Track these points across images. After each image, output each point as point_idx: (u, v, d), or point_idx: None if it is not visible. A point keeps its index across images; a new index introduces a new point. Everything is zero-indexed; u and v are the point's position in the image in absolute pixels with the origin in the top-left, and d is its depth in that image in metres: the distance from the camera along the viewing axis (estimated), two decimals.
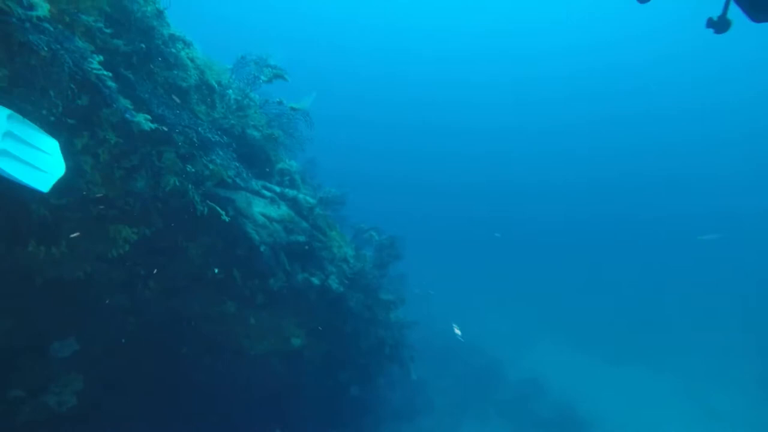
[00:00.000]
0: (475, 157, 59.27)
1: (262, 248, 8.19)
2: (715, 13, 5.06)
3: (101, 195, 6.55)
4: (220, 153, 6.33)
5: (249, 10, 59.16)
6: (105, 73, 4.94)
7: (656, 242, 47.82)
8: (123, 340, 8.64)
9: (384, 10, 61.05)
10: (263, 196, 8.65)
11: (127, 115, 5.15)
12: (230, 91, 7.28)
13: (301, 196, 9.22)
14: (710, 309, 31.78)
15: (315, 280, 9.40)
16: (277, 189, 8.97)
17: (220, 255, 8.66)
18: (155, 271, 8.21)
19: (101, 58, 5.02)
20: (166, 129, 5.84)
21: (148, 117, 5.34)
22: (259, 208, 8.42)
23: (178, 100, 6.28)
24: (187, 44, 6.53)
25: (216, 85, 7.09)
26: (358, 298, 11.35)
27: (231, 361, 9.93)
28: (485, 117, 62.65)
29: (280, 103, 7.75)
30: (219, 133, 6.47)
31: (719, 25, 5.09)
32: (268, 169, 9.20)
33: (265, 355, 10.28)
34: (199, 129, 5.99)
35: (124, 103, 5.18)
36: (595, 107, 62.27)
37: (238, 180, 6.65)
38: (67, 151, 6.02)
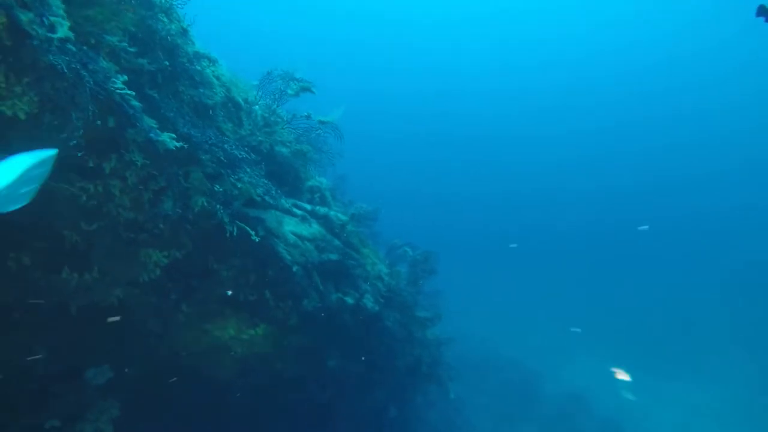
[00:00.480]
0: (497, 166, 58.33)
1: (294, 268, 7.88)
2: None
3: (131, 218, 6.37)
4: (248, 170, 6.07)
5: (280, 25, 59.90)
6: (129, 92, 4.73)
7: (680, 248, 45.89)
8: (156, 366, 8.43)
9: (413, 27, 61.15)
10: (294, 215, 8.37)
11: (152, 135, 4.92)
12: (257, 107, 7.06)
13: (332, 213, 8.91)
14: (747, 315, 30.12)
15: (349, 300, 9.03)
16: (308, 207, 8.68)
17: (252, 276, 8.39)
18: (187, 294, 7.99)
19: (125, 78, 4.83)
20: (191, 148, 5.61)
21: (173, 136, 5.11)
22: (290, 227, 8.14)
23: (204, 119, 6.07)
24: (213, 61, 6.34)
25: (242, 102, 6.87)
26: (394, 317, 10.92)
27: (267, 384, 9.60)
28: (510, 125, 61.76)
29: (308, 117, 7.48)
30: (246, 150, 6.21)
31: None
32: (298, 187, 8.94)
33: (300, 377, 9.93)
34: (226, 146, 5.74)
35: (149, 122, 4.96)
36: (612, 113, 60.76)
37: (267, 198, 6.37)
38: (96, 175, 5.87)
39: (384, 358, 11.04)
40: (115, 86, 4.58)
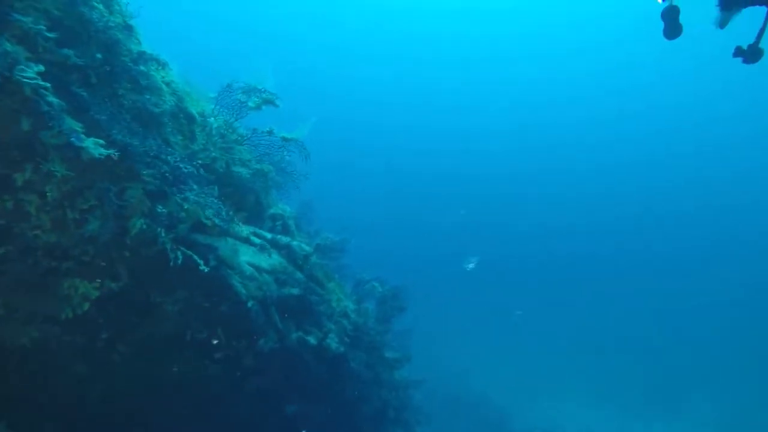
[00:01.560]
0: (476, 191, 56.91)
1: (250, 304, 6.83)
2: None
3: (52, 242, 5.26)
4: (195, 188, 5.10)
5: (237, 25, 56.59)
6: (43, 84, 3.77)
7: (661, 278, 45.94)
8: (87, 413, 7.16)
9: (392, 34, 59.91)
10: (252, 244, 7.37)
11: (74, 139, 3.94)
12: (212, 119, 6.15)
13: (295, 243, 7.94)
14: (731, 350, 30.05)
15: (311, 339, 7.98)
16: (268, 236, 7.70)
17: (201, 312, 7.28)
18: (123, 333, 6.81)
19: (42, 68, 3.87)
20: (129, 159, 4.64)
21: (101, 142, 4.13)
22: (246, 257, 7.13)
23: (149, 129, 5.12)
24: (162, 65, 5.44)
25: (196, 115, 5.96)
26: (360, 358, 9.86)
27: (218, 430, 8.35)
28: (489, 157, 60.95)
29: (270, 133, 6.59)
30: (196, 165, 5.25)
31: (751, 54, 4.45)
32: (259, 214, 7.97)
33: (253, 422, 8.69)
34: (170, 158, 4.78)
35: (71, 124, 3.99)
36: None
37: (217, 220, 5.39)
38: (5, 188, 4.80)
39: (349, 403, 9.90)
40: (25, 75, 3.61)
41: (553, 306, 40.41)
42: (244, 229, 7.39)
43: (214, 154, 5.87)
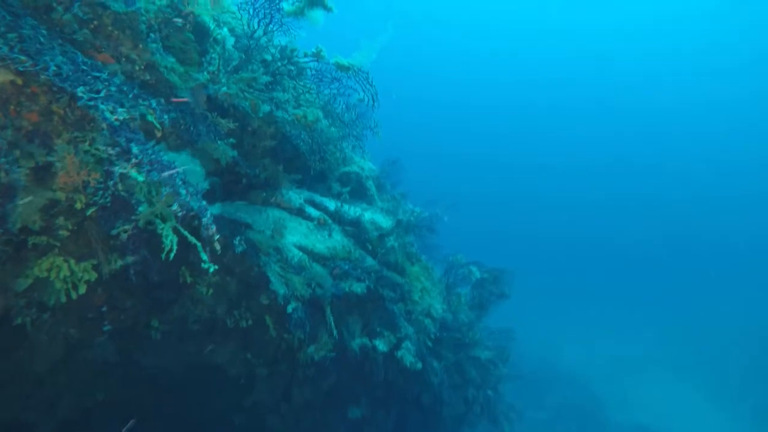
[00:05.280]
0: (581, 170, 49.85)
1: (290, 308, 4.63)
2: None
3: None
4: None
5: None
6: None
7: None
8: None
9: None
10: (307, 217, 5.12)
11: None
12: (225, 30, 3.74)
13: (367, 216, 5.53)
14: None
15: (381, 346, 5.73)
16: (331, 206, 5.36)
17: (238, 299, 5.29)
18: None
19: None
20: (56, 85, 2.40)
21: None
22: (296, 236, 4.89)
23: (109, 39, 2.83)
24: None
25: (210, 23, 3.59)
26: (445, 359, 7.52)
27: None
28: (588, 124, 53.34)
29: (317, 55, 4.02)
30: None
31: None
32: (322, 175, 5.61)
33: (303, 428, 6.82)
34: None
35: None
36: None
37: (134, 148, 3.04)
38: None
39: (426, 407, 7.72)
40: None
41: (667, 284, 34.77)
42: (295, 197, 5.10)
43: (231, 88, 3.49)
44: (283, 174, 4.86)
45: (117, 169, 2.21)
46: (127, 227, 2.88)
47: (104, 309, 4.79)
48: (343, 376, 6.28)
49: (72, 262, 4.12)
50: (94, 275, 4.30)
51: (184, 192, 2.48)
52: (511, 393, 11.30)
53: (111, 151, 2.21)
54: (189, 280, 5.25)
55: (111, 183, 2.35)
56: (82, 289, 4.27)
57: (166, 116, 3.00)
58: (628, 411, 20.85)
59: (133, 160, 2.28)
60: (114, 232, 2.90)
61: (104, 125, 2.35)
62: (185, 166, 2.92)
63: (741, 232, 41.89)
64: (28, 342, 4.49)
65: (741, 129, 50.37)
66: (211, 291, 5.39)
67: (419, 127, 43.41)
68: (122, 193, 2.75)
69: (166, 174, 2.38)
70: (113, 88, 2.34)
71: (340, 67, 3.89)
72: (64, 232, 3.94)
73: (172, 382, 6.04)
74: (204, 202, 2.68)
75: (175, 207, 2.52)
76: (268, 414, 6.00)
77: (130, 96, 2.42)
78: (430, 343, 6.38)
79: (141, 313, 5.20)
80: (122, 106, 2.30)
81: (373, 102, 3.91)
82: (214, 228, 2.72)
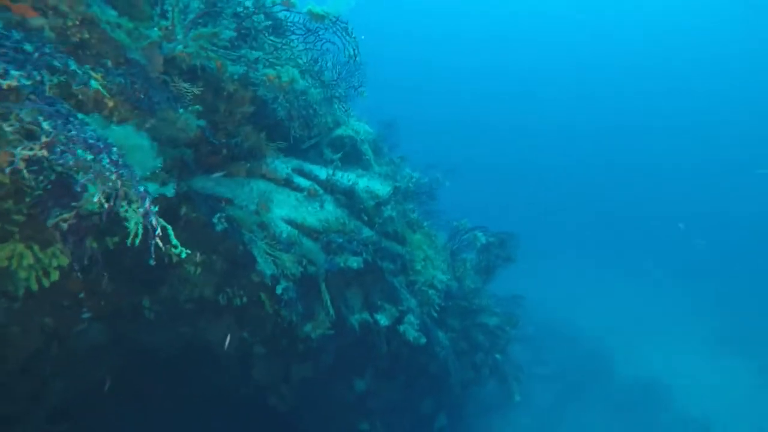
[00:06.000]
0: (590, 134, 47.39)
1: (280, 289, 4.25)
2: None
3: None
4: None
5: None
6: None
7: None
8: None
9: None
10: (296, 188, 4.67)
11: None
12: None
13: (362, 183, 5.07)
14: None
15: (382, 320, 5.39)
16: (322, 174, 4.89)
17: (227, 278, 4.93)
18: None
19: None
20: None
21: None
22: (284, 209, 4.46)
23: None
24: None
25: None
26: (452, 328, 7.22)
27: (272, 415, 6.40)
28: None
29: (286, 3, 3.43)
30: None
31: None
32: (314, 139, 5.11)
33: (310, 401, 6.61)
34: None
35: None
36: None
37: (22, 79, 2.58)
38: None
39: (433, 378, 7.49)
40: None
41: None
42: (282, 166, 4.63)
43: (195, 46, 2.94)
44: (267, 142, 4.37)
45: (19, 152, 1.76)
46: (66, 215, 2.44)
47: (82, 295, 4.46)
48: (344, 350, 6.01)
49: (36, 248, 3.74)
50: (65, 260, 3.93)
51: (113, 176, 2.04)
52: (517, 353, 11.12)
53: (7, 128, 1.75)
54: (174, 259, 4.88)
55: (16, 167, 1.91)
56: (55, 276, 3.90)
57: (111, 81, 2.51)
58: (637, 366, 20.80)
59: (43, 139, 1.81)
60: (50, 222, 2.47)
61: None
62: (128, 141, 2.46)
63: None
64: (1, 334, 4.18)
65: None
66: (199, 270, 5.04)
67: (407, 90, 41.46)
68: (62, 175, 2.31)
69: (86, 156, 1.91)
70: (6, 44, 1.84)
71: (315, 17, 3.33)
72: (18, 217, 3.54)
73: (169, 362, 5.80)
74: (142, 187, 2.23)
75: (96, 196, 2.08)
76: (269, 392, 5.78)
77: (36, 55, 1.92)
78: (435, 314, 6.05)
79: (125, 297, 4.87)
80: (22, 68, 1.81)
81: (355, 56, 3.37)
82: (153, 220, 2.28)
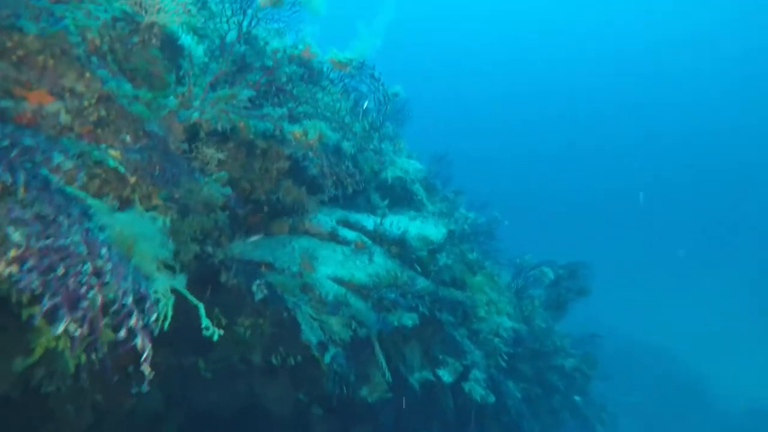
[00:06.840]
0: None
1: (328, 358, 3.84)
2: None
3: None
4: None
5: None
6: None
7: None
8: None
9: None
10: (342, 241, 4.30)
11: None
12: (189, 37, 2.86)
13: (413, 230, 4.61)
14: None
15: (445, 376, 4.84)
16: (369, 224, 4.50)
17: (274, 340, 4.61)
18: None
19: None
20: None
21: None
22: (329, 267, 4.09)
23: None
24: None
25: (182, 31, 2.77)
26: (523, 372, 6.49)
27: None
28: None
29: (307, 51, 3.02)
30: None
31: None
32: (358, 187, 4.73)
33: None
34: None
35: None
36: None
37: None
38: None
39: (504, 425, 6.74)
40: None
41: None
42: (326, 219, 4.29)
43: (212, 111, 2.66)
44: (309, 195, 4.05)
45: None
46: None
47: (131, 369, 4.29)
48: (407, 407, 5.48)
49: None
50: (110, 335, 3.77)
51: (91, 292, 1.73)
52: (598, 389, 10.00)
53: None
54: (224, 322, 4.63)
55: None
56: (100, 352, 3.76)
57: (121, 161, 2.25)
58: (733, 392, 18.54)
59: (11, 253, 1.53)
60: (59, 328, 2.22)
61: None
62: (132, 229, 2.19)
63: None
64: (56, 413, 4.05)
65: None
66: (249, 332, 4.77)
67: (456, 123, 40.44)
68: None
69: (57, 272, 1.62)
70: None
71: (337, 65, 2.99)
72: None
73: (225, 426, 5.55)
74: (142, 284, 1.93)
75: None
76: None
77: (5, 143, 1.66)
78: (503, 363, 5.40)
79: (173, 365, 4.67)
80: None
81: (386, 103, 2.98)
82: (139, 341, 1.95)
